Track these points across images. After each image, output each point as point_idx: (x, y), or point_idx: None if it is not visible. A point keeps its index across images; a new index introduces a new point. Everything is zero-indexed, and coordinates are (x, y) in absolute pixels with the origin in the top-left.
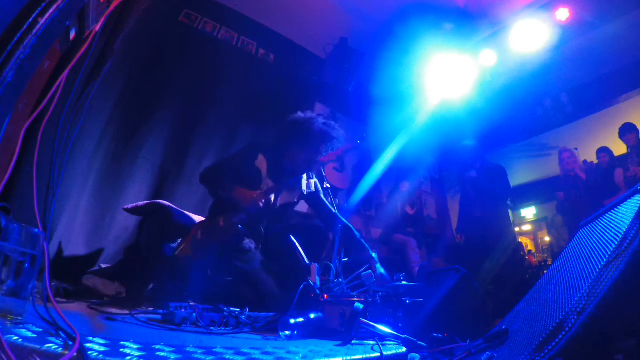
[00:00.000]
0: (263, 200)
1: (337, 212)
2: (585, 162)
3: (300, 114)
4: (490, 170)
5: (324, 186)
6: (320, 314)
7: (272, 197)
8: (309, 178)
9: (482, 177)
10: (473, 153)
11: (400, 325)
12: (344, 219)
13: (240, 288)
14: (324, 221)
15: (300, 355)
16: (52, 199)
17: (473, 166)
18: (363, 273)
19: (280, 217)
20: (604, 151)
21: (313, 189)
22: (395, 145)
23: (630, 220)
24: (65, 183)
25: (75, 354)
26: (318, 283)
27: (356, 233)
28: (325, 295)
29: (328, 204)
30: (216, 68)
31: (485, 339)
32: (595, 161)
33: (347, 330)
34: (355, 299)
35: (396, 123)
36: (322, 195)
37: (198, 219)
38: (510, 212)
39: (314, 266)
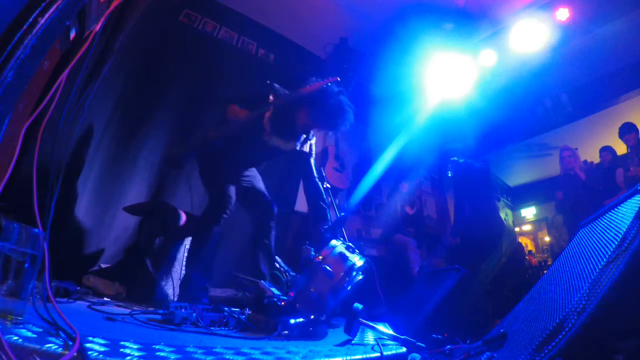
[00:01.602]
0: (246, 118)
1: (318, 178)
2: (585, 162)
3: (322, 81)
4: (473, 169)
5: (324, 186)
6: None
7: (272, 139)
8: (308, 139)
9: (465, 177)
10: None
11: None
12: (321, 187)
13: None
14: (304, 182)
15: (300, 355)
16: (52, 199)
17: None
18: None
19: (269, 154)
20: (606, 150)
21: (307, 149)
22: (395, 145)
23: (630, 220)
24: (65, 182)
25: (75, 354)
26: (276, 292)
27: (325, 202)
28: (292, 293)
29: (313, 169)
30: (216, 68)
31: (483, 342)
32: (595, 161)
33: (346, 330)
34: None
35: (396, 123)
36: (311, 159)
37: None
38: (509, 211)
39: (262, 284)
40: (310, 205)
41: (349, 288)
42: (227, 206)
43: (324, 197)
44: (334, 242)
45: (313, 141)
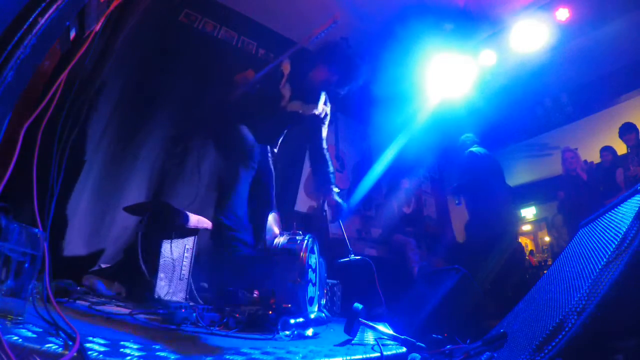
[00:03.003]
0: (254, 79)
1: (326, 147)
2: (585, 162)
3: (337, 39)
4: (460, 168)
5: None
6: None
7: (290, 104)
8: (324, 103)
9: (459, 183)
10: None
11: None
12: (327, 155)
13: None
14: (310, 149)
15: (300, 355)
16: (52, 199)
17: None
18: None
19: (286, 123)
20: (607, 150)
21: (322, 115)
22: (395, 145)
23: (630, 220)
24: (65, 183)
25: (75, 354)
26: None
27: (330, 169)
28: (272, 300)
29: (323, 137)
30: (216, 68)
31: (483, 341)
32: (596, 161)
33: (346, 331)
34: None
35: (397, 123)
36: (323, 127)
37: (197, 218)
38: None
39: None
40: (315, 174)
41: (314, 261)
42: (252, 154)
43: (330, 164)
44: (276, 239)
45: (328, 109)
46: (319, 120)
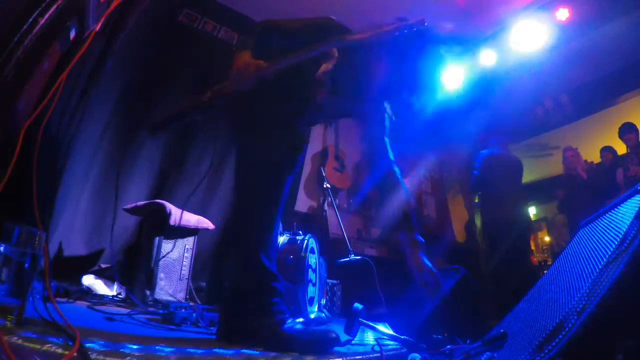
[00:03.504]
0: (258, 75)
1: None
2: (585, 162)
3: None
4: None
5: (324, 186)
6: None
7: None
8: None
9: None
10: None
11: None
12: (398, 171)
13: None
14: (368, 155)
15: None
16: (52, 199)
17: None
18: None
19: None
20: (607, 150)
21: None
22: (395, 145)
23: (630, 220)
24: (65, 183)
25: (75, 354)
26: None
27: (406, 191)
28: None
29: (387, 143)
30: (216, 68)
31: (483, 341)
32: (595, 161)
33: (346, 331)
34: None
35: (397, 123)
36: (385, 131)
37: (197, 218)
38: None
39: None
40: (384, 194)
41: (314, 261)
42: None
43: (404, 184)
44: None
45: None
46: (382, 122)
